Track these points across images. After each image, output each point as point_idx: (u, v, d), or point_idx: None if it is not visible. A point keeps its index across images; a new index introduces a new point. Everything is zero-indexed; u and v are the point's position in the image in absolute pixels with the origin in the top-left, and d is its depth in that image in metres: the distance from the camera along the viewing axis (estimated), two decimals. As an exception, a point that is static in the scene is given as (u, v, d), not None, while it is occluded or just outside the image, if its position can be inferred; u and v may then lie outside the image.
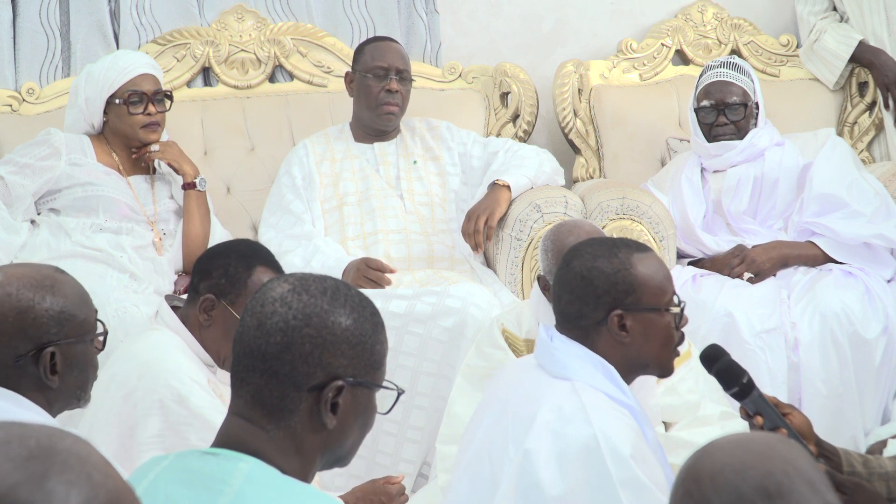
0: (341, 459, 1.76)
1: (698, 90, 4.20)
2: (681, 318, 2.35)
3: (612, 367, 2.29)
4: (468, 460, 2.38)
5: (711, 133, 4.16)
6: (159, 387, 2.68)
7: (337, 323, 1.69)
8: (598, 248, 2.35)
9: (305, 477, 1.70)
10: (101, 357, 3.35)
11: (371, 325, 1.73)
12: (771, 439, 1.43)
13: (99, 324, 2.22)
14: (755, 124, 4.17)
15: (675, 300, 2.35)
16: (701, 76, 4.23)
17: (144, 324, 2.99)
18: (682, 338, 2.37)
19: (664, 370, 2.38)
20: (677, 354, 2.38)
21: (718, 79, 4.17)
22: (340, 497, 2.77)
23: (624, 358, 2.31)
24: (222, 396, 2.72)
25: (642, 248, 2.36)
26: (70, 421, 2.83)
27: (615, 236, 3.60)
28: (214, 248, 2.93)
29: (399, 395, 1.78)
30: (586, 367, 2.28)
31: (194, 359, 2.76)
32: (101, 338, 2.22)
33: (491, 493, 2.28)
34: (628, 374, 2.34)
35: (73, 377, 2.16)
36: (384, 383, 1.76)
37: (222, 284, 2.76)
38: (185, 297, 2.90)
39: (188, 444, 2.60)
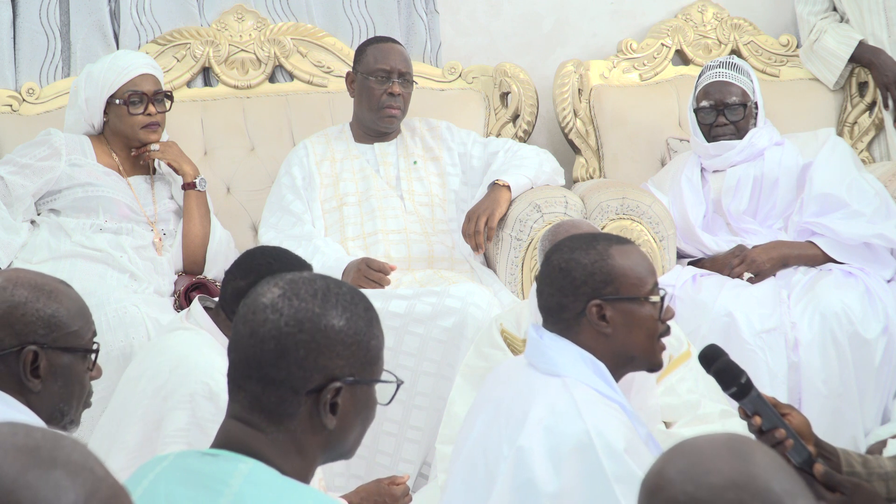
0: (344, 454, 1.76)
1: (697, 90, 4.20)
2: (662, 308, 2.34)
3: (601, 364, 2.29)
4: (463, 461, 2.38)
5: (711, 133, 4.16)
6: (191, 382, 2.66)
7: (330, 326, 1.68)
8: (577, 241, 2.36)
9: (305, 477, 1.70)
10: (124, 355, 3.36)
11: (365, 321, 1.72)
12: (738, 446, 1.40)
13: (95, 344, 2.19)
14: (755, 124, 4.17)
15: (658, 290, 2.34)
16: (700, 76, 4.23)
17: (174, 322, 2.95)
18: (666, 330, 2.37)
19: (651, 364, 2.37)
20: (663, 347, 2.38)
21: (717, 79, 4.17)
22: (344, 497, 2.77)
23: (609, 351, 2.31)
24: None
25: (622, 240, 2.37)
26: (93, 411, 2.78)
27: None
28: (248, 279, 2.66)
29: (398, 385, 1.77)
30: (576, 363, 2.28)
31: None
32: (92, 357, 2.19)
33: (486, 493, 2.27)
34: (616, 369, 2.33)
35: (56, 387, 2.14)
36: (383, 376, 1.75)
37: None
38: (216, 299, 2.84)
39: (211, 441, 2.58)
